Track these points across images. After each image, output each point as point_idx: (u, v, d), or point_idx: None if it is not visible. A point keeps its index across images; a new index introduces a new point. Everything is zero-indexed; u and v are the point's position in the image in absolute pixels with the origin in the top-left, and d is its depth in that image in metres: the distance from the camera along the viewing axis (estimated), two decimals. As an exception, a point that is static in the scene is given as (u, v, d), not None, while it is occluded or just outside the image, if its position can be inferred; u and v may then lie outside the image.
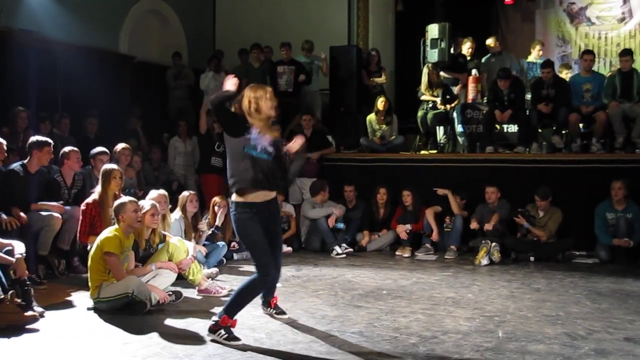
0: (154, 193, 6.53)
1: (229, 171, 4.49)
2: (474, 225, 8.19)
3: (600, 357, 4.04)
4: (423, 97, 10.02)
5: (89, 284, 5.28)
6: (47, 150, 6.66)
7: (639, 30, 12.66)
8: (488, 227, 8.03)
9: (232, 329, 4.36)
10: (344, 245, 8.28)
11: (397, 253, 8.34)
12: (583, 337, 4.47)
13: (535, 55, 10.72)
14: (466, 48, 10.59)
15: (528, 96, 9.73)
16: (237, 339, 4.32)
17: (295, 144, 4.49)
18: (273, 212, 4.58)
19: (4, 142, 6.42)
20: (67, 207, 6.81)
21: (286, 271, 7.05)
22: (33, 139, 6.72)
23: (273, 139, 4.47)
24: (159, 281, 5.55)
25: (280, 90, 10.66)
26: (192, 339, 4.45)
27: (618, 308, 5.36)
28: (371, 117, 10.00)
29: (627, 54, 9.07)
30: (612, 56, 12.33)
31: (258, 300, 5.57)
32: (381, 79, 10.89)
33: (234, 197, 4.46)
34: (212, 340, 4.33)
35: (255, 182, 4.38)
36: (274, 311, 4.97)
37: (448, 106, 9.98)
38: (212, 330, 4.37)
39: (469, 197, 8.54)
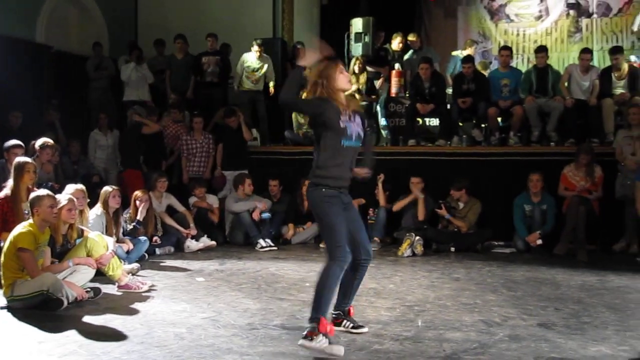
0: (71, 187, 6.30)
1: (320, 161, 4.18)
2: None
3: (514, 342, 4.17)
4: None
5: (2, 282, 5.10)
6: None
7: (555, 28, 13.15)
8: (421, 217, 8.25)
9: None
10: (267, 240, 8.27)
11: (321, 245, 8.36)
12: (498, 324, 4.61)
13: (469, 52, 10.95)
14: (396, 43, 10.71)
15: (449, 91, 9.94)
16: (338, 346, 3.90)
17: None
18: (348, 199, 4.41)
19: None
20: None
21: (209, 265, 7.01)
22: None
23: (360, 117, 4.31)
24: (77, 277, 5.40)
25: (205, 81, 10.55)
26: (111, 336, 4.34)
27: (532, 295, 5.56)
28: (296, 110, 9.97)
29: (542, 50, 9.41)
30: (530, 52, 12.74)
31: (177, 294, 5.52)
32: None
33: (315, 179, 4.20)
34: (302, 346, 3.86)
35: (340, 182, 4.23)
36: (351, 324, 4.39)
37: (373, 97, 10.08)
38: (308, 337, 3.85)
39: (391, 189, 8.66)
